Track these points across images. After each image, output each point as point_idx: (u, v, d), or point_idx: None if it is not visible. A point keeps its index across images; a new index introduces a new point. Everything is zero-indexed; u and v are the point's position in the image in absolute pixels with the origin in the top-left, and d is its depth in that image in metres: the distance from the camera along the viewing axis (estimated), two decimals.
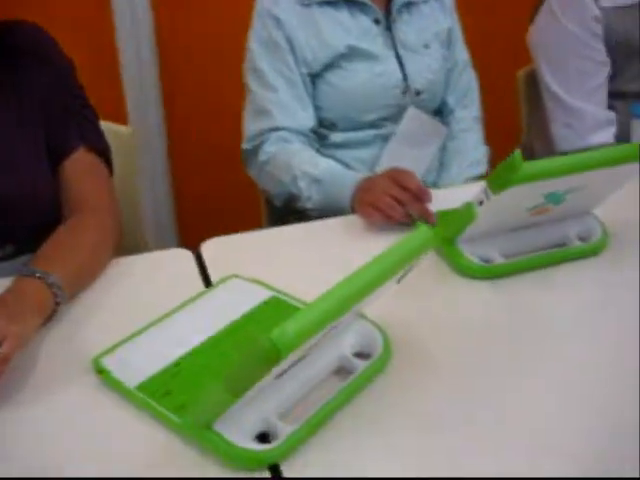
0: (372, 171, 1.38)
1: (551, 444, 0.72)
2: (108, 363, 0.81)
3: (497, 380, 0.81)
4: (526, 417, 0.76)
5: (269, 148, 1.31)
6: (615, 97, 1.53)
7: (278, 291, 0.94)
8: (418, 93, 1.39)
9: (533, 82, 1.70)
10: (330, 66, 1.33)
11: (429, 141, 1.42)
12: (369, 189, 1.13)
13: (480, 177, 1.47)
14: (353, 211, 1.17)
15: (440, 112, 1.50)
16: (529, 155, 1.76)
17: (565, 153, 1.54)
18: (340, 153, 1.38)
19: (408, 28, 1.39)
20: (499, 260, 1.00)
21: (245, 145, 1.36)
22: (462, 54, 1.50)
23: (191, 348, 0.83)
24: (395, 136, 1.39)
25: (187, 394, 0.76)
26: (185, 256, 1.04)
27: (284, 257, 1.05)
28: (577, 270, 1.02)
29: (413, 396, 0.79)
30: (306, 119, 1.34)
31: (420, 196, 1.08)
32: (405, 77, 1.37)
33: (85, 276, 0.95)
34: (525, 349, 0.86)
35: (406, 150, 1.39)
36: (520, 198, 0.92)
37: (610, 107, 1.53)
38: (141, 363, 0.81)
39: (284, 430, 0.71)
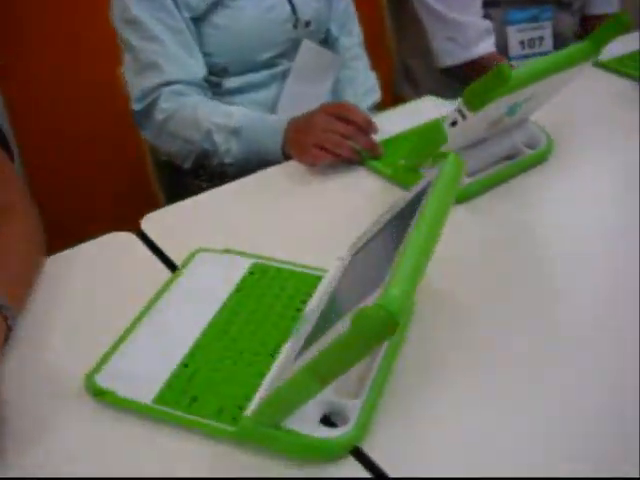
0: (273, 113, 1.27)
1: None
2: (105, 382, 0.66)
3: (521, 307, 0.77)
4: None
5: (165, 105, 1.16)
6: (489, 5, 1.53)
7: (256, 256, 0.83)
8: (307, 24, 1.29)
9: (397, 1, 1.67)
10: (215, 5, 1.19)
11: (326, 74, 1.34)
12: (307, 129, 1.03)
13: (377, 104, 1.42)
14: (286, 157, 1.07)
15: (325, 42, 1.41)
16: (406, 74, 1.73)
17: (450, 67, 1.54)
18: (236, 99, 1.26)
19: None
20: (466, 181, 0.95)
21: (135, 106, 1.19)
22: None
23: (193, 342, 0.71)
24: (292, 73, 1.29)
25: (217, 395, 0.65)
26: (127, 239, 0.89)
27: (237, 219, 0.93)
28: (534, 177, 1.00)
29: (450, 336, 0.73)
30: (197, 68, 1.20)
31: (366, 128, 1.01)
32: (294, 9, 1.26)
33: (26, 285, 0.78)
34: (533, 270, 0.83)
35: (305, 85, 1.30)
36: (491, 113, 0.88)
37: (485, 16, 1.53)
38: (144, 373, 0.68)
39: (353, 407, 0.62)
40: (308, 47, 1.28)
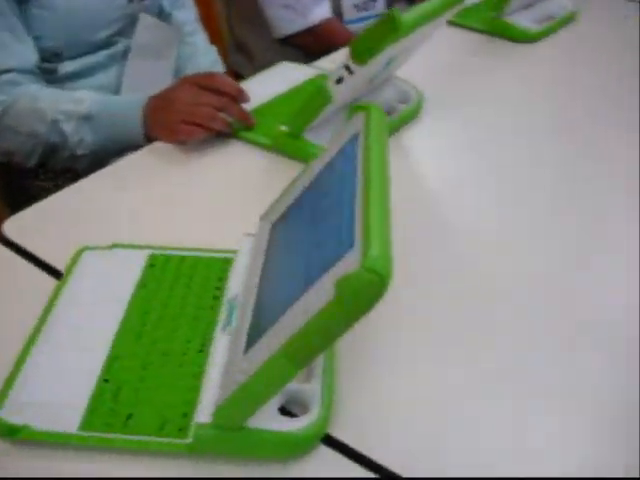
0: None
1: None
2: (14, 417, 0.55)
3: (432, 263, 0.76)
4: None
5: (3, 96, 1.02)
6: None
7: (150, 247, 0.74)
8: None
9: None
10: None
11: (167, 49, 1.23)
12: (171, 106, 0.93)
13: None
14: (149, 139, 0.97)
15: (158, 18, 1.31)
16: (239, 48, 1.67)
17: (286, 36, 1.50)
18: (74, 85, 1.13)
19: None
20: None
21: None
22: None
23: (106, 353, 0.61)
24: (132, 51, 1.18)
25: (154, 407, 0.56)
26: None
27: (113, 210, 0.83)
28: (410, 132, 0.99)
29: None
30: (29, 53, 1.06)
31: (237, 97, 0.94)
32: None
33: None
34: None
35: (147, 63, 1.19)
36: (376, 66, 0.84)
37: None
38: (59, 399, 0.57)
39: (312, 392, 0.56)
40: (147, 22, 1.18)
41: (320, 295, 0.44)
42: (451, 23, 1.32)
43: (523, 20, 1.30)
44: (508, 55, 1.25)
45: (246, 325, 0.56)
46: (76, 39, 1.11)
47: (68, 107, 1.00)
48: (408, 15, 0.78)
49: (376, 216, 0.47)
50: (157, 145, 0.95)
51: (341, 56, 1.23)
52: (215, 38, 1.59)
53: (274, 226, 0.67)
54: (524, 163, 0.92)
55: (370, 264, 0.42)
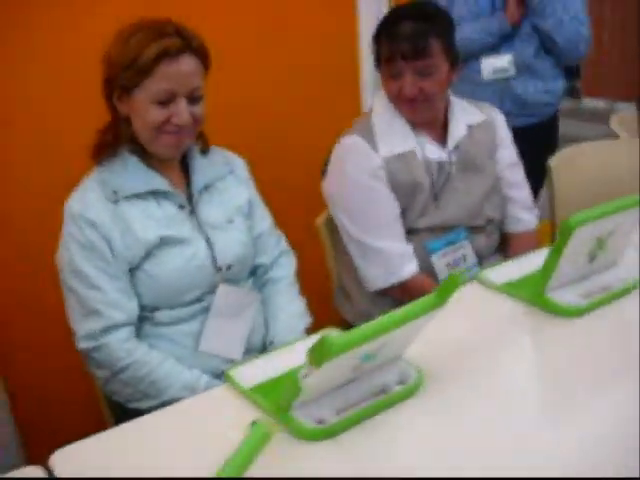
0: (197, 342, 1.45)
1: None
2: None
3: None
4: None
5: (120, 354, 1.37)
6: (408, 233, 1.69)
7: None
8: (229, 267, 1.47)
9: (333, 227, 1.82)
10: (146, 257, 1.39)
11: (245, 309, 1.50)
12: None
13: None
14: None
15: (254, 273, 1.60)
16: (345, 297, 1.85)
17: (381, 291, 1.69)
18: (165, 330, 1.44)
19: (211, 207, 1.48)
20: (333, 419, 1.06)
21: (81, 345, 1.37)
22: (264, 222, 1.59)
23: None
24: (211, 312, 1.46)
25: None
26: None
27: (150, 451, 1.05)
28: (400, 412, 1.11)
29: None
30: (133, 309, 1.40)
31: None
32: (214, 256, 1.44)
33: None
34: None
35: (225, 321, 1.46)
36: (340, 364, 1.01)
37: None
38: None
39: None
40: (224, 291, 1.46)
41: None
42: (501, 290, 1.45)
43: (569, 294, 1.37)
44: (546, 329, 1.33)
45: None
46: (170, 299, 1.42)
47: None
48: (345, 336, 0.95)
49: None
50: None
51: None
52: (324, 287, 1.83)
53: None
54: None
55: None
